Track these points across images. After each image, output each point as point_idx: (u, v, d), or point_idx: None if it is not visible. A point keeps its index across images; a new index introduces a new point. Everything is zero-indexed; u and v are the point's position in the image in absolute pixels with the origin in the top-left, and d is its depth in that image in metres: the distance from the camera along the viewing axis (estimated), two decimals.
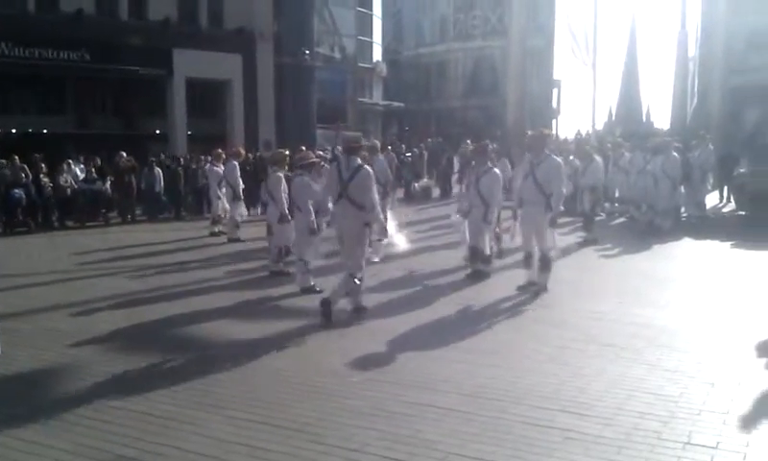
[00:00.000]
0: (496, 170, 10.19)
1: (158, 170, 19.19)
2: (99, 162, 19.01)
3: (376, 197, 7.98)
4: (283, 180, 10.51)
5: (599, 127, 41.49)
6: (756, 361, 6.18)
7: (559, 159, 9.42)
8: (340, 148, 16.11)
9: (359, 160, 7.85)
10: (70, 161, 18.45)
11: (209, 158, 19.61)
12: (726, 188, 18.71)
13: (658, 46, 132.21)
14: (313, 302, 8.70)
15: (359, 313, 7.90)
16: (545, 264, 9.01)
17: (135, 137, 24.84)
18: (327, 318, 7.57)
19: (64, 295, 9.28)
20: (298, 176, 9.39)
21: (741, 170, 16.41)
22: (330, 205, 8.43)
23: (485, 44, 45.88)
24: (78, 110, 24.92)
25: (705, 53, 32.96)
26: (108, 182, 18.38)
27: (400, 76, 43.36)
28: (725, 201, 18.69)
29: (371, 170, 7.94)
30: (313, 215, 9.04)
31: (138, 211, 18.96)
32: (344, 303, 7.96)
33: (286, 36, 29.23)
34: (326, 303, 7.65)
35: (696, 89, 34.07)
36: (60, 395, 5.57)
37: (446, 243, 12.53)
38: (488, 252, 9.95)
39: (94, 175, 18.21)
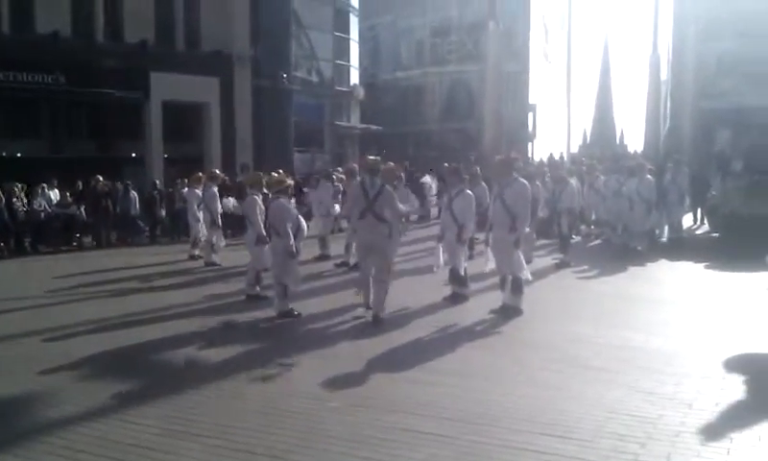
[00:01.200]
0: (469, 191, 10.27)
1: (134, 193, 19.08)
2: (80, 186, 18.83)
3: (401, 207, 9.49)
4: (259, 202, 10.50)
5: (574, 149, 41.96)
6: (732, 382, 6.23)
7: (526, 182, 9.46)
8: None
9: (380, 181, 8.87)
10: (45, 185, 18.23)
11: (185, 180, 19.65)
12: (699, 210, 18.96)
13: (630, 70, 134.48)
14: (290, 325, 8.71)
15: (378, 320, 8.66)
16: (517, 287, 9.03)
17: (111, 161, 24.59)
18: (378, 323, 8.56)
19: (38, 321, 9.13)
20: (275, 199, 9.35)
21: (713, 192, 16.66)
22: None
23: (461, 69, 46.27)
24: (52, 134, 24.59)
25: (676, 77, 33.57)
26: (83, 207, 18.20)
27: (378, 99, 43.48)
28: (698, 222, 18.94)
29: (391, 189, 9.05)
30: (292, 238, 9.00)
31: (113, 235, 18.77)
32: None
33: (264, 59, 29.22)
34: (376, 318, 8.63)
35: (668, 112, 34.61)
36: (35, 423, 5.46)
37: (422, 266, 12.53)
38: (462, 272, 9.96)
39: (69, 199, 18.02)
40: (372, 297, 8.85)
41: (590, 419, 5.32)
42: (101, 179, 18.83)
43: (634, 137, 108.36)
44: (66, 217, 17.75)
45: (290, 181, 9.79)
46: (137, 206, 18.97)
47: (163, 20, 25.86)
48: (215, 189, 14.71)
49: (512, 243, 8.89)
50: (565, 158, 31.21)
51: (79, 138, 25.06)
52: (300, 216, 9.41)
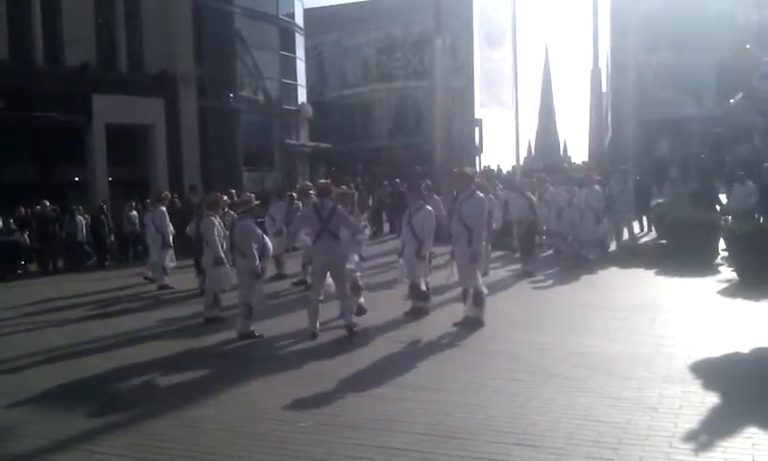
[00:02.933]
0: (428, 207, 10.33)
1: (80, 218, 18.62)
2: (24, 212, 18.27)
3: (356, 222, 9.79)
4: (217, 223, 10.37)
5: (520, 162, 42.60)
6: (693, 385, 6.37)
7: (482, 197, 9.56)
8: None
9: (331, 201, 9.11)
10: None
11: (133, 203, 19.30)
12: (644, 218, 19.43)
13: (572, 81, 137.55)
14: (252, 347, 8.58)
15: (351, 332, 8.88)
16: (478, 299, 9.10)
17: (54, 185, 23.94)
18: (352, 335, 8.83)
19: None
20: (241, 219, 9.20)
21: (659, 200, 17.10)
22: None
23: (407, 85, 46.87)
24: None
25: (616, 89, 34.56)
26: (26, 233, 17.65)
27: (326, 117, 43.63)
28: (645, 230, 19.40)
29: (343, 209, 9.39)
30: (258, 259, 8.91)
31: (60, 262, 18.26)
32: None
33: (209, 79, 29.00)
34: (349, 330, 8.89)
35: (610, 123, 35.58)
36: None
37: (382, 282, 12.54)
38: (423, 287, 9.99)
39: (12, 226, 17.45)
40: (342, 315, 9.09)
41: (562, 427, 5.38)
42: (48, 203, 18.35)
43: (577, 148, 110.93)
44: (10, 244, 17.17)
45: (256, 202, 9.70)
46: (84, 231, 18.50)
47: (105, 42, 25.45)
48: (163, 209, 14.52)
49: (468, 256, 8.98)
50: (505, 171, 31.75)
51: (20, 163, 24.32)
52: (264, 236, 9.34)
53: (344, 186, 12.45)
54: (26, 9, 23.23)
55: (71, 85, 23.51)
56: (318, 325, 8.94)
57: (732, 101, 13.94)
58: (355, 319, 9.23)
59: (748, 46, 13.51)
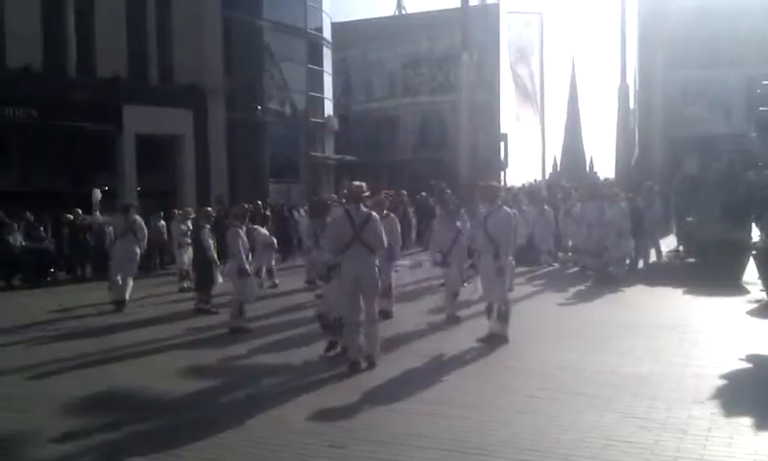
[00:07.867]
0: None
1: (110, 227, 18.83)
2: (58, 219, 18.65)
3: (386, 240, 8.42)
4: (242, 234, 10.47)
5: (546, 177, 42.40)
6: (723, 406, 6.26)
7: (509, 211, 9.50)
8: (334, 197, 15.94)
9: (365, 208, 8.23)
10: (25, 220, 18.00)
11: (161, 213, 19.56)
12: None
13: (599, 97, 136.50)
14: (274, 359, 8.59)
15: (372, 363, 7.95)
16: (502, 315, 9.04)
17: (83, 194, 24.29)
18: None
19: (16, 358, 8.89)
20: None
21: (689, 219, 16.89)
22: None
23: (433, 99, 46.89)
24: (24, 167, 24.31)
25: (643, 106, 34.23)
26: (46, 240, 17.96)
27: (351, 130, 43.86)
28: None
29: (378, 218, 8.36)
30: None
31: (88, 269, 18.52)
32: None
33: (238, 91, 29.31)
34: (355, 365, 7.82)
35: (637, 140, 35.20)
36: None
37: (404, 294, 12.53)
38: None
39: (42, 233, 17.73)
40: (365, 342, 7.97)
41: (588, 446, 5.32)
42: (80, 212, 18.68)
43: (603, 165, 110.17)
44: (40, 251, 17.44)
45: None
46: (112, 239, 18.72)
47: (136, 54, 25.82)
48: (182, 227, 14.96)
49: (494, 271, 8.93)
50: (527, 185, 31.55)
51: (50, 172, 24.71)
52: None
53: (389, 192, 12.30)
54: (60, 21, 23.71)
55: (102, 96, 23.90)
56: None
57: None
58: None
59: (765, 82, 13.42)
